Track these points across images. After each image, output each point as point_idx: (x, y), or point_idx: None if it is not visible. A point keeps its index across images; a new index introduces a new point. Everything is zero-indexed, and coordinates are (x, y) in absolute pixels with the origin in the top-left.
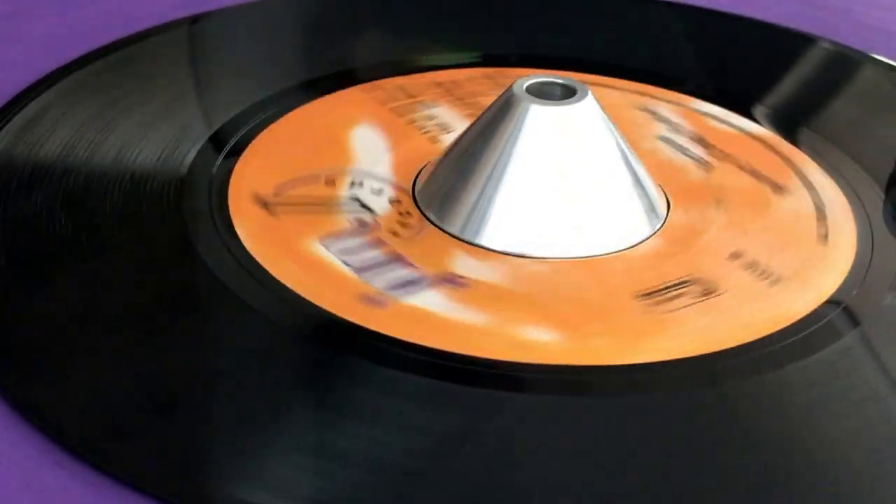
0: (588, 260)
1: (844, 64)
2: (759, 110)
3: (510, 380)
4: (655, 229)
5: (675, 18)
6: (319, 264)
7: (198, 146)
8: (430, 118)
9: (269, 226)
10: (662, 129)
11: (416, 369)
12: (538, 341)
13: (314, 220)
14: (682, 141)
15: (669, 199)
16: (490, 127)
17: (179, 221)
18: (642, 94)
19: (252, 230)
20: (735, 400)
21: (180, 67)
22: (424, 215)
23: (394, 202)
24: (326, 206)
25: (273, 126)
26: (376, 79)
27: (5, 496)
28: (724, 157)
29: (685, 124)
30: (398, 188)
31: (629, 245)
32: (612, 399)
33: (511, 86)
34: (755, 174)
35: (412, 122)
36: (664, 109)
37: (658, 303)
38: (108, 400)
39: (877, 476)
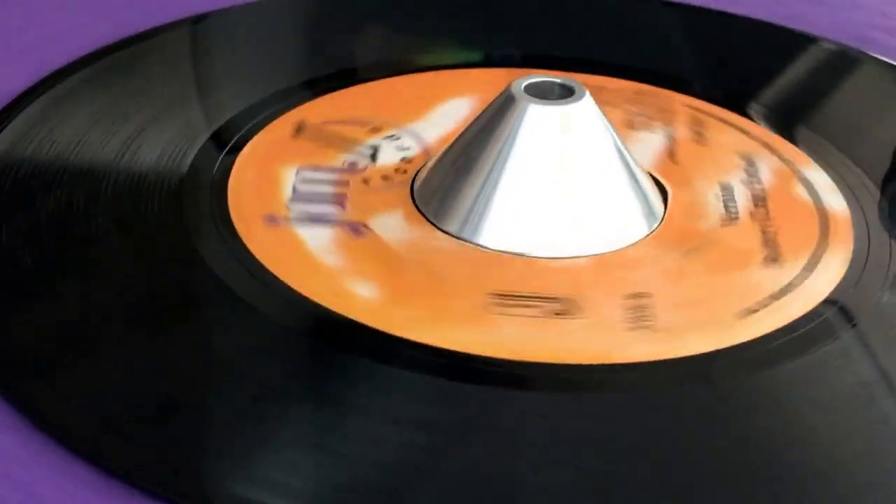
0: (579, 259)
1: (843, 63)
2: (756, 109)
3: (511, 378)
4: (653, 228)
5: (673, 17)
6: (268, 187)
7: (198, 145)
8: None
9: (271, 226)
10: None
11: (416, 368)
12: (355, 294)
13: (320, 151)
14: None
15: (669, 193)
16: (488, 126)
17: (180, 220)
18: (639, 94)
19: (253, 229)
20: (731, 398)
21: (181, 67)
22: (421, 212)
23: (405, 160)
24: (343, 143)
25: (273, 124)
26: (375, 79)
27: (5, 495)
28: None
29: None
30: (427, 152)
31: (625, 244)
32: (607, 398)
33: (509, 85)
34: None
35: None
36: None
37: (505, 305)
38: (108, 399)
39: (872, 475)
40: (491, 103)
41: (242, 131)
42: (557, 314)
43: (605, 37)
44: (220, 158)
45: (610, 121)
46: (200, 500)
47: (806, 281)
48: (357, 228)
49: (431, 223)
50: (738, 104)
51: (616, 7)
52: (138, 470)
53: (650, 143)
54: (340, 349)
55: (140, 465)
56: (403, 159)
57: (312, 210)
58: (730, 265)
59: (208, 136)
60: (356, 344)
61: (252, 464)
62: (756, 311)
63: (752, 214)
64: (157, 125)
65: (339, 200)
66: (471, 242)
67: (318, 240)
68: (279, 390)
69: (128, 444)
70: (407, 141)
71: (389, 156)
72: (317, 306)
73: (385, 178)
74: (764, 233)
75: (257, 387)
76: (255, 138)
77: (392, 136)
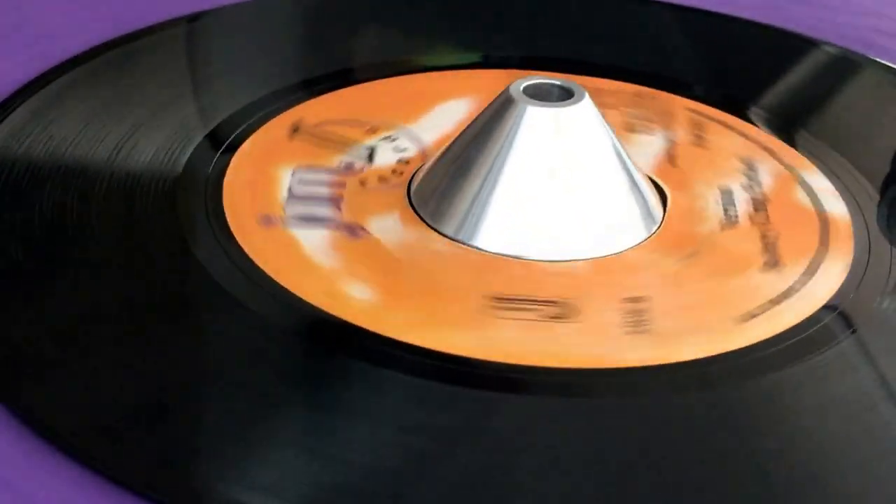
0: (577, 263)
1: (844, 66)
2: (757, 112)
3: (505, 382)
4: (651, 232)
5: (674, 20)
6: (264, 188)
7: (194, 144)
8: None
9: (266, 226)
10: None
11: (412, 371)
12: (350, 296)
13: (316, 152)
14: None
15: (668, 197)
16: (486, 128)
17: (174, 220)
18: (639, 96)
19: (248, 230)
20: (729, 404)
21: (177, 66)
22: (418, 214)
23: (402, 161)
24: (339, 144)
25: (268, 124)
26: (375, 79)
27: (1, 499)
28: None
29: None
30: (424, 154)
31: (624, 248)
32: (604, 402)
33: (508, 87)
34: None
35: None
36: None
37: (502, 308)
38: (101, 400)
39: (872, 481)
40: (489, 105)
41: (238, 131)
42: (555, 318)
43: (604, 39)
44: (215, 158)
45: (609, 123)
46: (193, 502)
47: (805, 286)
48: (353, 230)
49: (428, 225)
50: (738, 108)
51: (616, 9)
52: (130, 472)
53: (649, 146)
54: (335, 351)
55: (132, 467)
56: (400, 160)
57: (308, 211)
58: (729, 270)
59: (203, 135)
60: (351, 346)
61: (245, 466)
62: (755, 316)
63: (751, 219)
64: (151, 124)
65: (336, 202)
66: (468, 245)
67: (313, 241)
68: (273, 392)
69: (120, 446)
70: (404, 142)
71: (386, 157)
72: (312, 308)
73: (382, 179)
74: (764, 237)
75: (251, 389)
76: (251, 138)
77: (389, 137)
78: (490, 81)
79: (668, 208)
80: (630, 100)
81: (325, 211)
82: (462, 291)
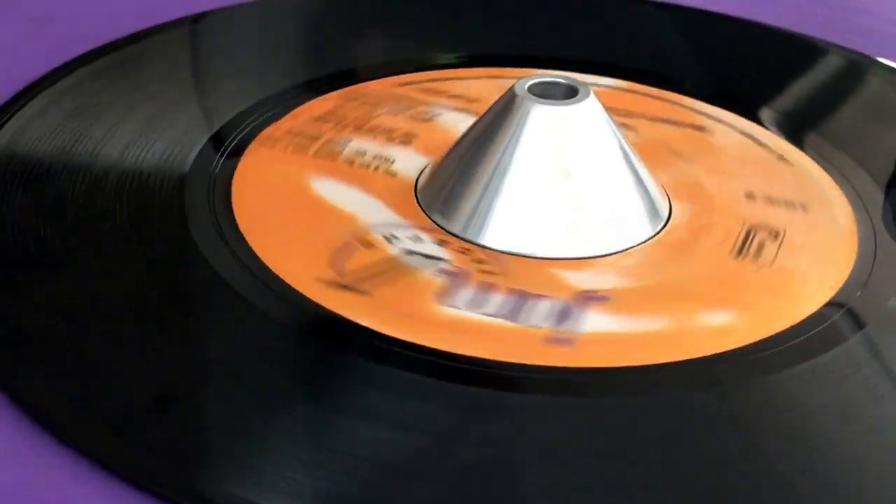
0: (584, 259)
1: (850, 67)
2: (765, 114)
3: (509, 380)
4: (657, 230)
5: (682, 22)
6: (463, 323)
7: (199, 145)
8: (360, 153)
9: (273, 225)
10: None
11: (415, 368)
12: (722, 326)
13: (401, 280)
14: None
15: (671, 199)
16: (492, 127)
17: (181, 220)
18: (642, 96)
19: (255, 229)
20: (737, 402)
21: (181, 67)
22: (425, 212)
23: (442, 244)
24: (395, 267)
25: (273, 125)
26: (375, 79)
27: (4, 492)
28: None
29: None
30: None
31: (630, 245)
32: (609, 400)
33: (513, 86)
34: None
35: (350, 162)
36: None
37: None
38: (106, 397)
39: (880, 479)
40: (495, 103)
41: (243, 131)
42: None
43: (606, 39)
44: (221, 158)
45: (615, 121)
46: (195, 497)
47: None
48: (592, 297)
49: (435, 223)
50: (744, 109)
51: (616, 9)
52: (134, 467)
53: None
54: (342, 349)
55: (136, 462)
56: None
57: (539, 312)
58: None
59: (209, 135)
60: (356, 344)
61: (248, 462)
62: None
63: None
64: (157, 125)
65: (523, 294)
66: (474, 243)
67: (607, 325)
68: (278, 390)
69: (124, 442)
70: (398, 231)
71: (433, 249)
72: (318, 306)
73: (478, 261)
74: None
75: (256, 386)
76: (257, 138)
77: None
78: (490, 81)
79: (673, 207)
80: (631, 99)
81: (546, 304)
82: None
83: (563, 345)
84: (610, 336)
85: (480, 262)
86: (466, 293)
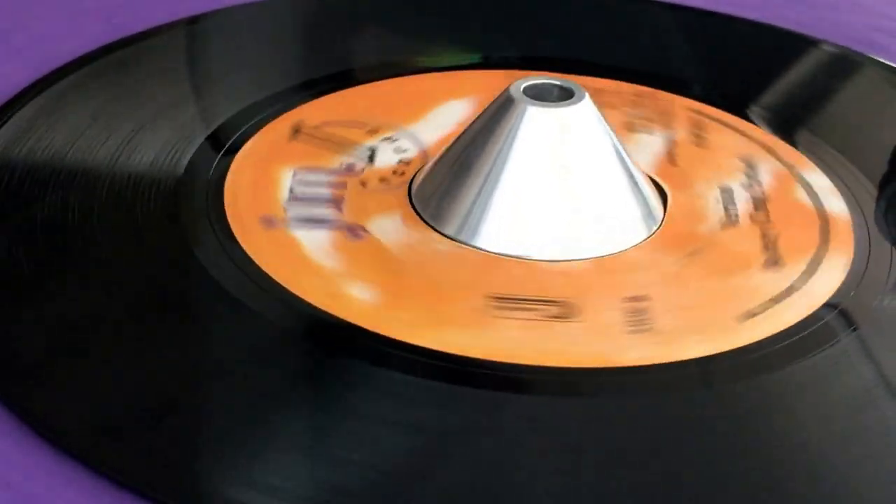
0: (577, 262)
1: (844, 65)
2: (757, 112)
3: (506, 382)
4: (652, 231)
5: (674, 20)
6: (265, 189)
7: (195, 146)
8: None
9: (268, 227)
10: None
11: (413, 371)
12: (352, 297)
13: (317, 153)
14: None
15: (668, 196)
16: (487, 128)
17: (176, 222)
18: (639, 96)
19: (250, 231)
20: (730, 402)
21: (178, 68)
22: (419, 214)
23: (403, 162)
24: (340, 145)
25: (269, 125)
26: (374, 79)
27: (4, 498)
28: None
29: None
30: (425, 155)
31: (624, 247)
32: (606, 401)
33: (508, 87)
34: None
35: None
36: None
37: (503, 308)
38: (104, 401)
39: (873, 478)
40: (490, 105)
41: (239, 132)
42: (556, 317)
43: (604, 39)
44: (216, 160)
45: (609, 123)
46: (194, 502)
47: (806, 285)
48: (354, 231)
49: (429, 225)
50: (738, 107)
51: (616, 9)
52: (132, 472)
53: (650, 145)
54: (337, 352)
55: (134, 467)
56: (401, 161)
57: (309, 212)
58: (729, 269)
59: (205, 137)
60: (352, 346)
61: (247, 466)
62: (756, 314)
63: (752, 218)
64: (154, 125)
65: (337, 202)
66: (469, 245)
67: (314, 242)
68: (275, 393)
69: (123, 447)
70: (405, 143)
71: (387, 158)
72: (313, 309)
73: (383, 180)
74: (764, 236)
75: (252, 389)
76: (252, 140)
77: (390, 138)
78: (490, 81)
79: (668, 207)
80: (630, 99)
81: (326, 212)
82: (463, 291)
83: (264, 226)
84: (294, 245)
85: (382, 180)
86: (317, 176)
